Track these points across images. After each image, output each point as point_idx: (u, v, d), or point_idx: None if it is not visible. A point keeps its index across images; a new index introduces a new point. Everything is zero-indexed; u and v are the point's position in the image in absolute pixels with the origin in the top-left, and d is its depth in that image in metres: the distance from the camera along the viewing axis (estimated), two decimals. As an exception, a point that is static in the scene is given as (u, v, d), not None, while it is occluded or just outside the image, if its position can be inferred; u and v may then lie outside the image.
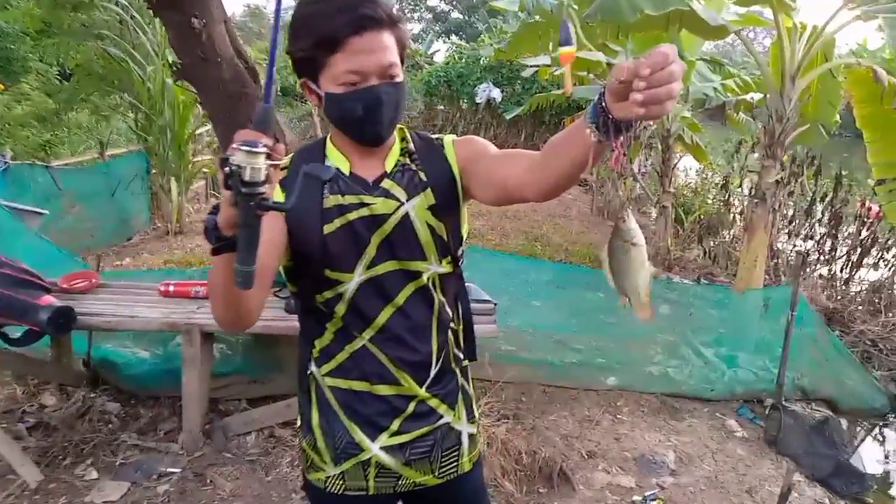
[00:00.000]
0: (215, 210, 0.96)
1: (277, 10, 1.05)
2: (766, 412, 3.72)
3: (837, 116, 5.36)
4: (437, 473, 1.36)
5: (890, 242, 5.82)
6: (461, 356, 1.41)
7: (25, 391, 3.28)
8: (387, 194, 1.23)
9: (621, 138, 0.90)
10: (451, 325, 1.37)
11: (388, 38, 1.15)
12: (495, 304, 3.10)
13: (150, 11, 6.06)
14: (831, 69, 4.73)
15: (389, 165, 1.26)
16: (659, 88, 0.78)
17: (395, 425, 1.31)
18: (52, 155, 7.88)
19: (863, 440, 4.05)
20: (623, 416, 3.49)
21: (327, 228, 1.20)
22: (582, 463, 3.03)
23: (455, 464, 1.38)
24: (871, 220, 5.83)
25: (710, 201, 7.68)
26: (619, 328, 4.33)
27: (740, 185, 7.28)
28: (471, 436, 1.42)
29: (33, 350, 3.08)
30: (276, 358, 3.28)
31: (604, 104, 0.87)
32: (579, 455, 3.07)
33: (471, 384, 1.44)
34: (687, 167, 9.79)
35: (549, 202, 9.10)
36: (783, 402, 3.72)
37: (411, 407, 1.31)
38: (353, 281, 1.22)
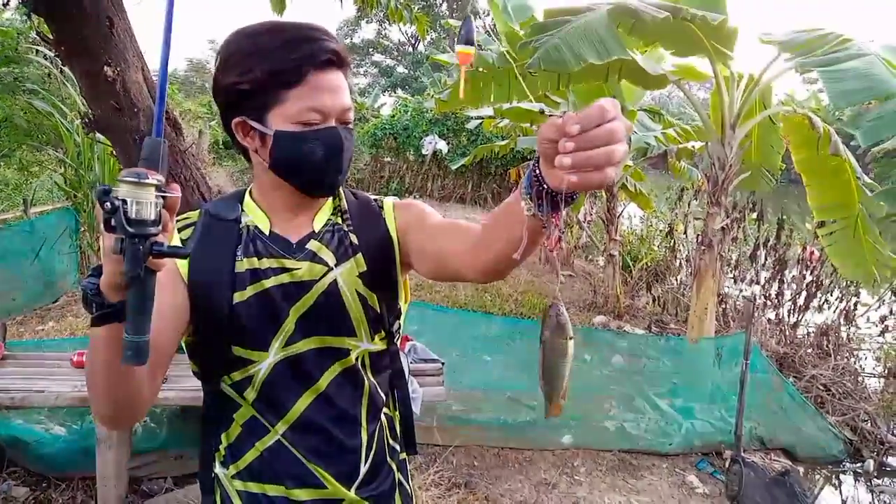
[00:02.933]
0: (96, 272, 0.76)
1: (169, 21, 0.84)
2: (726, 465, 3.60)
3: (780, 162, 5.46)
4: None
5: (832, 285, 5.90)
6: (398, 448, 1.20)
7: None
8: (313, 257, 1.05)
9: (561, 213, 0.75)
10: (385, 411, 1.16)
11: (343, 80, 1.02)
12: (443, 364, 2.92)
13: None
14: (770, 116, 4.82)
15: (318, 224, 1.09)
16: (593, 150, 0.64)
17: None
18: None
19: (822, 489, 3.97)
20: (580, 477, 3.31)
21: (238, 297, 1.01)
22: (540, 533, 2.83)
23: None
24: (813, 265, 5.91)
25: (656, 248, 7.72)
26: (572, 381, 4.18)
27: (685, 232, 7.34)
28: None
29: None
30: (205, 430, 3.00)
31: (538, 172, 0.73)
32: (536, 524, 2.87)
33: (409, 480, 1.23)
34: (631, 214, 9.92)
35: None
36: (742, 455, 3.62)
37: None
38: (266, 361, 1.03)
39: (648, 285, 6.93)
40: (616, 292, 6.43)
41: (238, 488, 1.08)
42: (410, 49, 34.83)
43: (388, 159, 14.46)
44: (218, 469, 1.10)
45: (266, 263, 1.03)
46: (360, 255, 1.08)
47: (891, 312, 5.59)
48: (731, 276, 6.69)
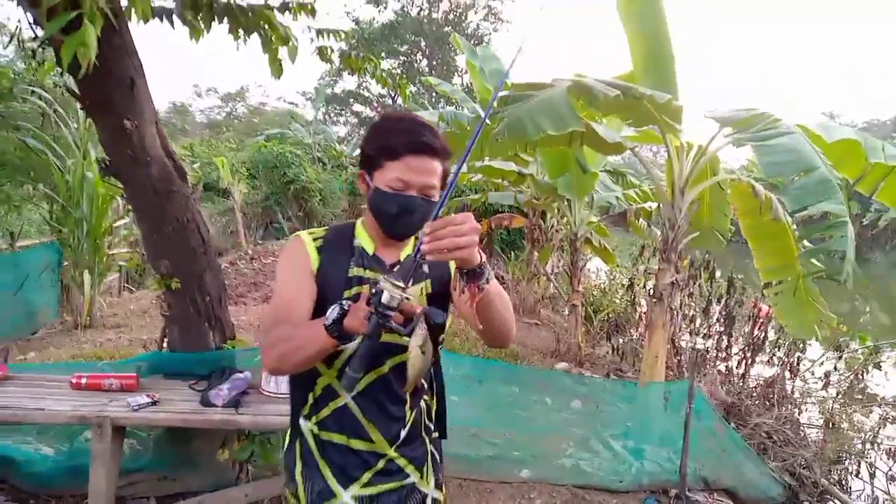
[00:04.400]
0: (343, 308, 1.27)
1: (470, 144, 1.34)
2: (672, 502, 3.90)
3: (729, 224, 5.90)
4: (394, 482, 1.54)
5: (780, 341, 6.31)
6: (432, 427, 1.63)
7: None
8: None
9: (479, 281, 1.26)
10: (425, 397, 1.59)
11: (436, 165, 1.45)
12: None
13: (78, 106, 6.16)
14: (719, 183, 5.28)
15: (403, 255, 1.56)
16: (440, 241, 1.16)
17: (366, 478, 1.51)
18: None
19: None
20: (536, 509, 3.58)
21: (346, 293, 1.45)
22: (496, 556, 3.07)
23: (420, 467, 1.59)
24: (762, 320, 6.33)
25: (617, 301, 8.12)
26: (533, 422, 4.49)
27: (644, 286, 7.75)
28: (435, 500, 1.63)
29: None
30: (188, 453, 3.22)
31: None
32: (493, 548, 3.12)
33: (440, 455, 1.67)
34: (598, 269, 10.35)
35: (468, 300, 9.34)
36: (686, 493, 3.92)
37: (381, 463, 1.52)
38: (351, 344, 1.38)
39: (608, 335, 7.30)
40: (578, 340, 6.77)
41: (312, 436, 1.52)
42: (390, 101, 35.68)
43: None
44: (302, 422, 1.54)
45: (368, 274, 1.50)
46: (428, 281, 1.52)
47: (834, 369, 6.00)
48: (688, 329, 7.09)
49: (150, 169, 2.73)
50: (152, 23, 2.55)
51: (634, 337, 7.41)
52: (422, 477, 1.59)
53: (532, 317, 8.73)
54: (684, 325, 6.98)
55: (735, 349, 6.38)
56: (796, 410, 5.64)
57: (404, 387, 1.37)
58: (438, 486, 1.65)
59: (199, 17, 2.60)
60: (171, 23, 2.59)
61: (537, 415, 4.59)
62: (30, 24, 2.37)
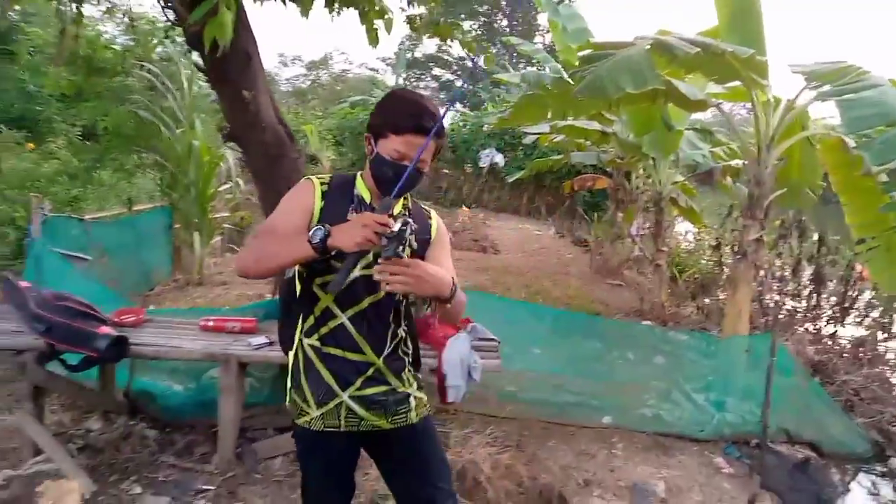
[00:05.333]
0: (326, 230, 1.56)
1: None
2: (752, 451, 4.00)
3: (820, 180, 5.76)
4: (389, 420, 1.88)
5: (875, 301, 6.16)
6: (409, 351, 1.98)
7: (72, 418, 3.60)
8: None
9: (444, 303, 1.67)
10: (404, 324, 1.94)
11: (429, 146, 1.70)
12: (499, 342, 3.44)
13: (184, 79, 6.65)
14: (808, 138, 5.18)
15: (396, 210, 1.84)
16: (390, 277, 1.52)
17: (359, 383, 1.83)
18: (79, 209, 8.33)
19: (847, 482, 4.29)
20: (617, 451, 3.78)
21: None
22: (579, 490, 3.31)
23: (404, 416, 1.91)
24: (854, 280, 6.20)
25: (703, 261, 8.06)
26: (614, 375, 4.65)
27: (732, 247, 7.65)
28: (417, 398, 1.95)
29: (83, 379, 3.42)
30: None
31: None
32: (576, 483, 3.35)
33: (417, 373, 2.01)
34: (686, 231, 10.23)
35: (551, 261, 9.48)
36: (768, 443, 4.01)
37: (370, 371, 1.84)
38: (353, 275, 1.73)
39: (693, 295, 7.29)
40: (662, 300, 6.82)
41: (313, 349, 1.84)
42: (470, 64, 35.53)
43: (447, 171, 15.07)
44: (303, 338, 1.86)
45: None
46: (413, 235, 1.73)
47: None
48: (777, 289, 7.00)
49: (264, 134, 3.05)
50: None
51: (721, 297, 7.37)
52: (402, 383, 1.91)
53: (615, 278, 8.78)
54: (774, 286, 6.90)
55: (825, 308, 6.28)
56: (887, 370, 5.54)
57: (388, 312, 1.84)
58: (419, 388, 1.98)
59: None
60: (284, 2, 2.86)
61: (619, 368, 4.74)
62: (162, 8, 2.68)
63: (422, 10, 3.83)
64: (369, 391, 1.84)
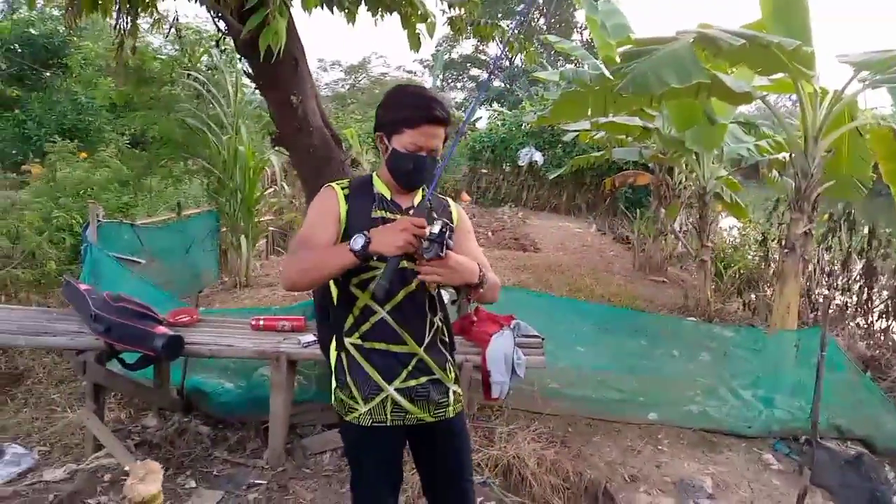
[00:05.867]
0: (367, 237, 1.64)
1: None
2: (802, 447, 3.94)
3: (870, 172, 5.61)
4: (431, 413, 1.94)
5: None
6: (447, 340, 2.04)
7: (129, 415, 3.75)
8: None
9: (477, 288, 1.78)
10: (440, 313, 2.01)
11: (442, 131, 1.83)
12: (542, 339, 3.47)
13: (230, 87, 6.83)
14: (858, 129, 5.06)
15: (415, 201, 1.94)
16: (429, 276, 1.67)
17: (403, 374, 1.90)
18: (130, 215, 8.61)
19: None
20: (663, 447, 3.76)
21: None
22: (625, 486, 3.31)
23: (444, 410, 1.97)
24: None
25: (749, 256, 7.92)
26: (659, 371, 4.61)
27: (778, 241, 7.51)
28: (455, 392, 2.01)
29: (140, 377, 3.56)
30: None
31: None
32: (622, 479, 3.35)
33: (454, 363, 2.07)
34: (731, 226, 10.06)
35: (593, 258, 9.43)
36: (818, 439, 3.94)
37: (413, 362, 1.91)
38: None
39: (739, 291, 7.17)
40: (707, 296, 6.73)
41: (357, 347, 1.91)
42: (507, 63, 35.44)
43: (485, 170, 15.09)
44: (345, 339, 1.92)
45: (390, 214, 1.87)
46: (450, 235, 1.80)
47: None
48: (826, 284, 6.84)
49: (311, 138, 3.14)
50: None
51: (768, 293, 7.23)
52: (443, 375, 1.97)
53: (659, 275, 8.69)
54: (823, 280, 6.75)
55: (877, 303, 6.12)
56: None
57: (423, 302, 1.92)
58: (456, 383, 2.04)
59: (355, 3, 2.93)
60: (332, 9, 2.94)
61: (664, 365, 4.70)
62: (213, 19, 2.79)
63: (461, 11, 3.86)
64: (413, 382, 1.91)
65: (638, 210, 10.80)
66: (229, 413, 3.77)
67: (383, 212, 1.87)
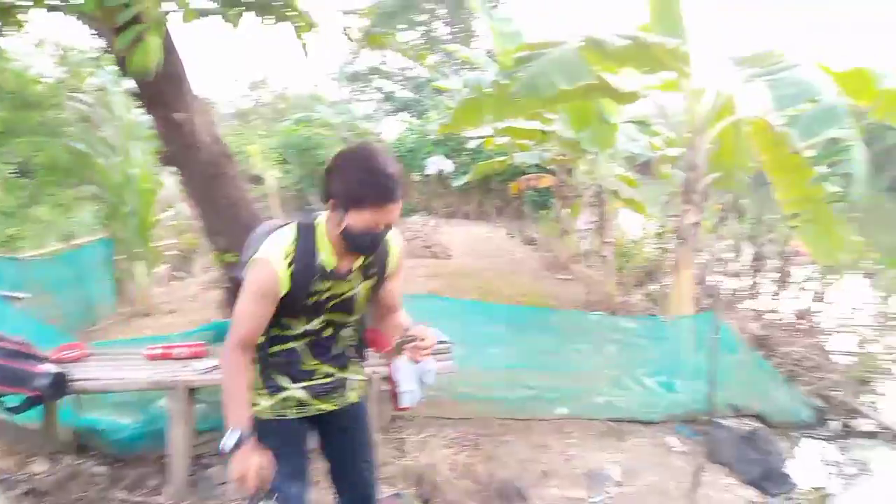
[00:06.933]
0: (239, 440, 1.77)
1: None
2: (702, 428, 4.12)
3: (750, 162, 5.96)
4: (333, 402, 2.05)
5: (812, 274, 6.43)
6: (356, 346, 2.13)
7: (16, 461, 3.48)
8: (350, 280, 1.95)
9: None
10: (351, 342, 2.10)
11: (399, 205, 1.80)
12: (452, 344, 3.47)
13: (120, 108, 6.52)
14: (737, 122, 5.37)
15: (356, 264, 1.94)
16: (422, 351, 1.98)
17: (306, 381, 2.00)
18: (17, 248, 8.05)
19: (793, 449, 4.45)
20: (573, 441, 3.85)
21: (310, 299, 1.89)
22: (536, 482, 3.35)
23: (345, 396, 2.08)
24: (791, 256, 6.45)
25: (649, 249, 8.26)
26: (568, 366, 4.73)
27: (672, 232, 7.86)
28: (357, 380, 2.12)
29: (25, 420, 3.32)
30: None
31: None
32: (533, 475, 3.40)
33: (362, 358, 2.18)
34: (634, 221, 10.46)
35: (503, 261, 9.58)
36: (716, 418, 4.14)
37: (319, 370, 2.01)
38: (304, 326, 1.95)
39: (640, 283, 7.46)
40: (610, 290, 6.96)
41: (272, 363, 1.98)
42: (413, 73, 35.53)
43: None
44: (264, 357, 1.97)
45: (326, 285, 1.89)
46: (375, 277, 1.99)
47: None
48: (720, 270, 7.23)
49: (200, 154, 3.03)
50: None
51: (668, 283, 7.55)
52: (344, 372, 2.08)
53: (565, 272, 8.92)
54: (716, 267, 7.12)
55: (766, 285, 6.52)
56: (827, 338, 5.78)
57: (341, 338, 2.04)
58: (357, 373, 2.13)
59: (238, 14, 2.86)
60: (208, 16, 2.85)
61: (572, 359, 4.82)
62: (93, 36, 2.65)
63: (357, 22, 3.85)
64: (316, 382, 2.01)
65: (544, 211, 11.07)
66: (127, 450, 3.57)
67: (324, 283, 1.88)
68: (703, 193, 5.09)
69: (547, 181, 9.60)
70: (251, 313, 1.84)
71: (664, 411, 4.30)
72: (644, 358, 4.79)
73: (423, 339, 1.91)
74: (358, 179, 1.74)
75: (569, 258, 9.10)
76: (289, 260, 1.82)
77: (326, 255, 1.87)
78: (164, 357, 3.33)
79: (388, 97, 36.11)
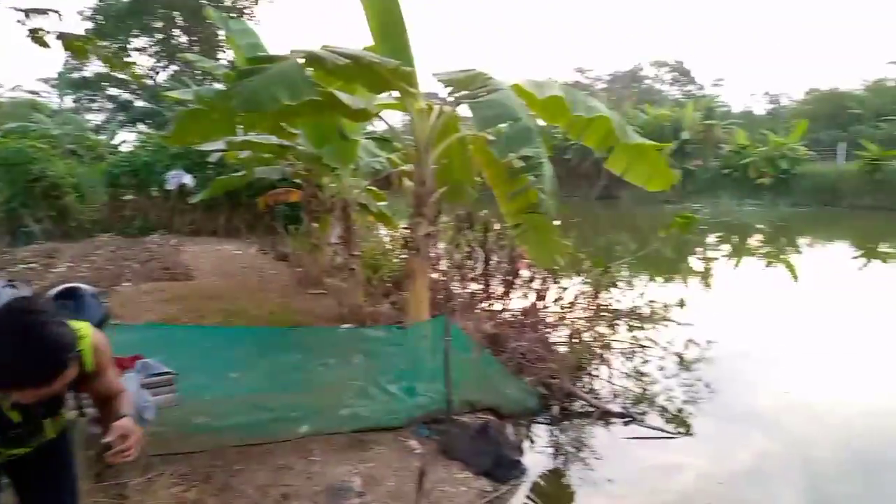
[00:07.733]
0: None
1: None
2: (439, 427, 4.36)
3: (474, 177, 6.47)
4: (28, 446, 1.90)
5: (535, 275, 7.14)
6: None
7: None
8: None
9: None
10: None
11: (49, 387, 1.58)
12: (174, 374, 3.25)
13: None
14: (461, 139, 5.78)
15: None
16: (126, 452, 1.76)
17: None
18: None
19: (523, 436, 4.90)
20: (315, 458, 3.82)
21: None
22: (276, 506, 3.27)
23: (41, 436, 1.92)
24: (517, 259, 7.12)
25: (395, 260, 8.55)
26: (312, 382, 4.70)
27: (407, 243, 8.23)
28: (52, 419, 1.92)
29: None
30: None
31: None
32: (273, 500, 3.31)
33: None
34: (386, 233, 10.76)
35: (252, 279, 9.27)
36: (452, 416, 4.41)
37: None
38: None
39: (387, 293, 7.69)
40: (358, 302, 7.08)
41: None
42: (151, 82, 32.92)
43: (130, 197, 13.84)
44: None
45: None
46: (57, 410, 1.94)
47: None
48: (458, 276, 7.73)
49: None
50: None
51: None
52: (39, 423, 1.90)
53: (318, 287, 8.87)
54: (455, 274, 7.60)
55: (497, 287, 7.12)
56: (551, 332, 6.48)
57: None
58: (55, 417, 1.95)
59: None
60: None
61: (319, 375, 4.81)
62: None
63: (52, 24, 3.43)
64: (8, 434, 1.84)
65: (295, 227, 10.92)
66: None
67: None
68: (434, 206, 5.39)
69: (296, 196, 9.47)
70: None
71: (407, 415, 4.46)
72: (387, 366, 4.94)
73: (125, 438, 1.77)
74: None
75: (321, 272, 9.07)
76: None
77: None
78: None
79: (124, 107, 33.08)
